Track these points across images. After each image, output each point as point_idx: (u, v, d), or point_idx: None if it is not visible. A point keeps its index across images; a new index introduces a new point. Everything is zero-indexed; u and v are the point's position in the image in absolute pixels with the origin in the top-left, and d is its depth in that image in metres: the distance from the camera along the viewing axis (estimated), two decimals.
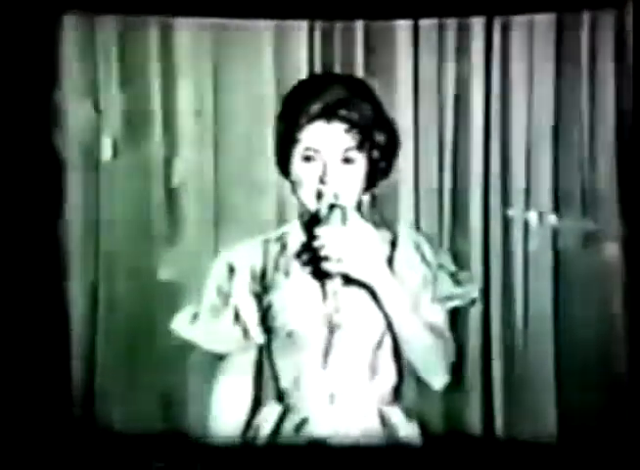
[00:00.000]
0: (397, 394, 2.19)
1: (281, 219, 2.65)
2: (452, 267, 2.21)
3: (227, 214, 2.72)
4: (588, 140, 2.72)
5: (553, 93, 2.74)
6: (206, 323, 2.20)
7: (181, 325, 2.23)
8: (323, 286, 2.12)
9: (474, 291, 2.22)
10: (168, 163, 2.72)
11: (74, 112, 2.61)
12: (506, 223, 2.76)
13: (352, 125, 2.08)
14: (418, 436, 2.20)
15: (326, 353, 2.13)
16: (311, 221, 2.07)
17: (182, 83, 2.73)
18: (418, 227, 2.72)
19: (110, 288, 2.68)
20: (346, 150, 2.09)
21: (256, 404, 2.23)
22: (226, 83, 2.74)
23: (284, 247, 2.20)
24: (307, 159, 2.09)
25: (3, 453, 2.39)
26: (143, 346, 2.66)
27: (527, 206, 2.76)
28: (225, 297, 2.20)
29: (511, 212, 2.76)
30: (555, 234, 2.75)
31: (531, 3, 2.66)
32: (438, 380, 2.13)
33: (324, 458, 2.16)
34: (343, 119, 2.07)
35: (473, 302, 2.24)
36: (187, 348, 2.52)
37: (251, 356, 2.22)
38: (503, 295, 2.75)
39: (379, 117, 2.13)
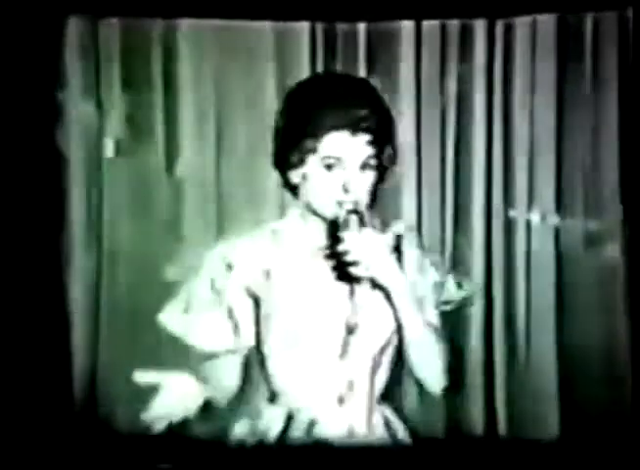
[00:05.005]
0: (389, 394, 2.19)
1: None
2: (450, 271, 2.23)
3: (229, 214, 2.73)
4: (591, 141, 2.72)
5: (555, 94, 2.74)
6: (198, 318, 2.13)
7: (171, 318, 2.15)
8: (348, 289, 2.11)
9: (471, 293, 2.24)
10: (170, 163, 2.73)
11: (78, 112, 2.63)
12: (508, 224, 2.76)
13: (375, 137, 2.05)
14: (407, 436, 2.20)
15: (340, 354, 2.12)
16: (331, 227, 2.07)
17: (184, 85, 2.74)
18: (419, 228, 2.73)
19: (112, 286, 2.69)
20: (367, 158, 2.07)
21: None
22: (228, 85, 2.75)
23: (281, 243, 2.17)
24: (329, 167, 2.06)
25: (5, 454, 2.39)
26: (145, 345, 2.66)
27: (530, 206, 2.76)
28: (219, 293, 2.13)
29: (513, 213, 2.76)
30: (557, 235, 2.75)
31: (534, 5, 2.67)
32: (438, 383, 2.14)
33: (330, 460, 2.15)
34: (368, 131, 2.05)
35: (466, 304, 2.25)
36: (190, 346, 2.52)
37: (239, 357, 2.15)
38: (505, 295, 2.75)
39: (389, 123, 2.11)
